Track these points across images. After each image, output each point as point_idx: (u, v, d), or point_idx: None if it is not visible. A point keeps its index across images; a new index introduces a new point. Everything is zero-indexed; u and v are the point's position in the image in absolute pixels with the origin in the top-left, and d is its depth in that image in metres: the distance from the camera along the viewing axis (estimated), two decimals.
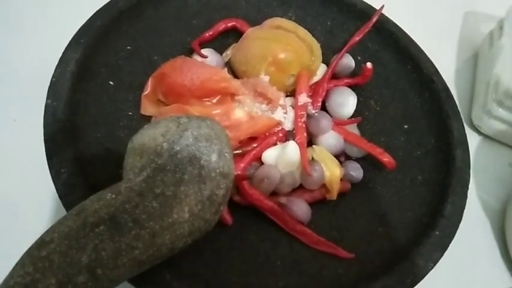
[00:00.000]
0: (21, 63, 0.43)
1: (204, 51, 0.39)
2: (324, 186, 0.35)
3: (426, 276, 0.30)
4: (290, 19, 0.42)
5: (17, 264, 0.21)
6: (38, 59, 0.42)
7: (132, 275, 0.24)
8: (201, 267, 0.29)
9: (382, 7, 0.42)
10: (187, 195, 0.25)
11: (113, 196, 0.24)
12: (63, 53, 0.33)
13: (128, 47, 0.38)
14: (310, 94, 0.38)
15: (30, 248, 0.22)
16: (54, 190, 0.28)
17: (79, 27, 0.35)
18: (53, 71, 0.32)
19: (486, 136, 0.49)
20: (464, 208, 0.34)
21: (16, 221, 0.35)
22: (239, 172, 0.33)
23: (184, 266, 0.28)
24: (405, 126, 0.40)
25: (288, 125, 0.37)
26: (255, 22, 0.42)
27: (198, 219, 0.26)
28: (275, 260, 0.32)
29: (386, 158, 0.36)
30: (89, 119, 0.33)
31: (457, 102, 0.39)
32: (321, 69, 0.41)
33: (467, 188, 0.35)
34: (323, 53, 0.41)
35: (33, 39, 0.45)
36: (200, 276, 0.28)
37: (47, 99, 0.31)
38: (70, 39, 0.34)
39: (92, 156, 0.31)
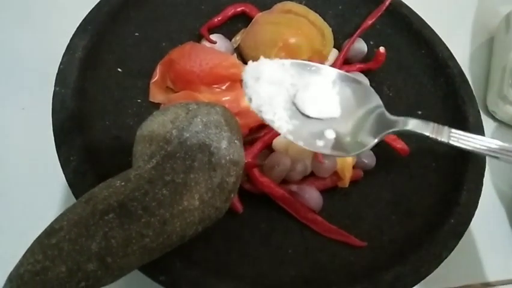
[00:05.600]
0: (29, 51, 0.43)
1: (213, 36, 0.39)
2: (335, 173, 0.35)
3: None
4: (301, 3, 0.42)
5: (27, 252, 0.21)
6: (46, 47, 0.42)
7: (142, 263, 0.24)
8: (212, 255, 0.29)
9: None
10: (197, 183, 0.25)
11: (123, 184, 0.24)
12: (70, 40, 0.33)
13: (136, 34, 0.37)
14: None
15: (40, 236, 0.22)
16: (64, 178, 0.28)
17: (87, 14, 0.35)
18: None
19: (501, 122, 0.48)
20: (479, 195, 0.33)
21: (26, 209, 0.35)
22: (249, 159, 0.32)
23: (194, 254, 0.28)
24: (419, 112, 0.39)
25: None
26: (265, 7, 0.41)
27: (209, 206, 0.25)
28: (286, 249, 0.31)
29: (400, 145, 0.36)
30: (97, 107, 0.32)
31: (472, 87, 0.38)
32: (333, 54, 0.40)
33: (483, 175, 0.34)
34: (334, 38, 0.40)
35: (41, 27, 0.45)
36: (210, 264, 0.28)
37: (55, 86, 0.31)
38: (77, 26, 0.34)
39: (101, 144, 0.31)
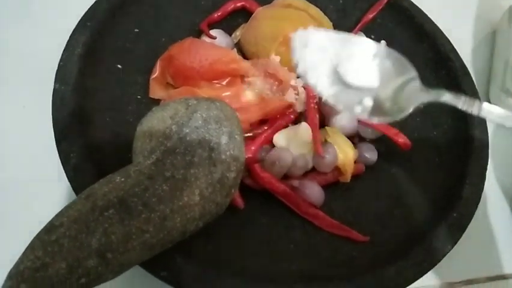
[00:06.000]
0: (28, 49, 0.43)
1: (213, 32, 0.39)
2: (337, 168, 0.35)
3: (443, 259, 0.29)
4: None
5: (27, 248, 0.21)
6: (45, 44, 0.41)
7: (143, 259, 0.24)
8: (213, 250, 0.29)
9: None
10: (197, 178, 0.24)
11: (123, 179, 0.24)
12: (70, 36, 0.33)
13: (135, 30, 0.37)
14: None
15: (39, 233, 0.22)
16: (64, 175, 0.28)
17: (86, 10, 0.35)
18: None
19: None
20: (482, 189, 0.33)
21: (26, 205, 0.35)
22: (250, 155, 0.32)
23: (195, 250, 0.27)
24: (421, 106, 0.38)
25: (299, 107, 0.36)
26: (265, 1, 0.41)
27: (209, 202, 0.25)
28: (288, 244, 0.31)
29: (401, 139, 0.35)
30: (97, 103, 0.32)
31: (474, 81, 0.38)
32: None
33: (486, 169, 0.34)
34: None
35: (40, 24, 0.44)
36: (212, 260, 0.28)
37: (55, 83, 0.31)
38: (77, 22, 0.34)
39: (101, 141, 0.31)
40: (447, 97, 0.27)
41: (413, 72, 0.29)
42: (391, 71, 0.29)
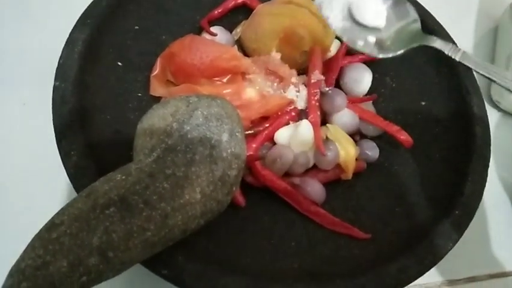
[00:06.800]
0: (29, 46, 0.43)
1: (213, 29, 0.39)
2: (338, 166, 0.34)
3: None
4: None
5: (27, 247, 0.21)
6: (45, 42, 0.41)
7: (144, 257, 0.24)
8: (214, 248, 0.29)
9: None
10: (198, 176, 0.24)
11: (123, 177, 0.23)
12: (70, 33, 0.33)
13: (135, 27, 0.37)
14: (323, 71, 0.37)
15: (40, 231, 0.22)
16: (65, 172, 0.28)
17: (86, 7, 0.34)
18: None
19: (506, 112, 0.47)
20: (484, 186, 0.33)
21: (27, 203, 0.35)
22: (251, 152, 0.32)
23: (197, 248, 0.27)
24: (423, 103, 0.38)
25: (300, 104, 0.36)
26: None
27: (210, 200, 0.25)
28: (289, 241, 0.31)
29: (403, 136, 0.35)
30: (98, 101, 0.32)
31: (475, 76, 0.38)
32: (335, 45, 0.40)
33: (488, 165, 0.34)
34: None
35: (40, 22, 0.44)
36: (213, 258, 0.28)
37: (55, 81, 0.31)
38: (76, 20, 0.34)
39: (101, 138, 0.31)
40: (438, 43, 0.32)
41: (415, 15, 0.33)
42: (397, 14, 0.33)
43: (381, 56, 0.32)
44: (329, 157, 0.33)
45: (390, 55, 0.32)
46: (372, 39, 0.33)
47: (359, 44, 0.32)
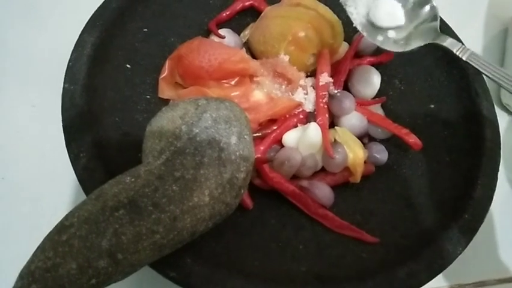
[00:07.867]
0: (38, 49, 0.43)
1: (221, 31, 0.39)
2: (347, 169, 0.34)
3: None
4: None
5: (37, 249, 0.21)
6: (54, 44, 0.42)
7: (153, 259, 0.24)
8: (222, 251, 0.29)
9: None
10: (207, 179, 0.24)
11: (133, 180, 0.23)
12: (79, 36, 0.33)
13: (144, 29, 0.37)
14: (332, 74, 0.37)
15: (50, 233, 0.22)
16: (74, 175, 0.28)
17: (95, 10, 0.35)
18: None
19: None
20: (494, 190, 0.32)
21: (36, 205, 0.35)
22: (259, 155, 0.32)
23: (205, 251, 0.27)
24: (432, 106, 0.38)
25: (309, 106, 0.36)
26: (274, 0, 0.40)
27: (219, 202, 0.25)
28: (297, 244, 0.31)
29: (412, 139, 0.35)
30: (106, 103, 0.32)
31: (485, 80, 0.37)
32: (343, 47, 0.40)
33: (497, 169, 0.33)
34: (344, 31, 0.39)
35: (49, 24, 0.45)
36: (221, 261, 0.28)
37: (64, 83, 0.31)
38: (85, 22, 0.34)
39: (110, 141, 0.31)
40: (448, 43, 0.32)
41: (433, 13, 0.34)
42: (416, 13, 0.34)
43: (399, 50, 0.34)
44: (337, 160, 0.33)
45: (407, 50, 0.34)
46: (392, 34, 0.34)
47: (379, 39, 0.34)
